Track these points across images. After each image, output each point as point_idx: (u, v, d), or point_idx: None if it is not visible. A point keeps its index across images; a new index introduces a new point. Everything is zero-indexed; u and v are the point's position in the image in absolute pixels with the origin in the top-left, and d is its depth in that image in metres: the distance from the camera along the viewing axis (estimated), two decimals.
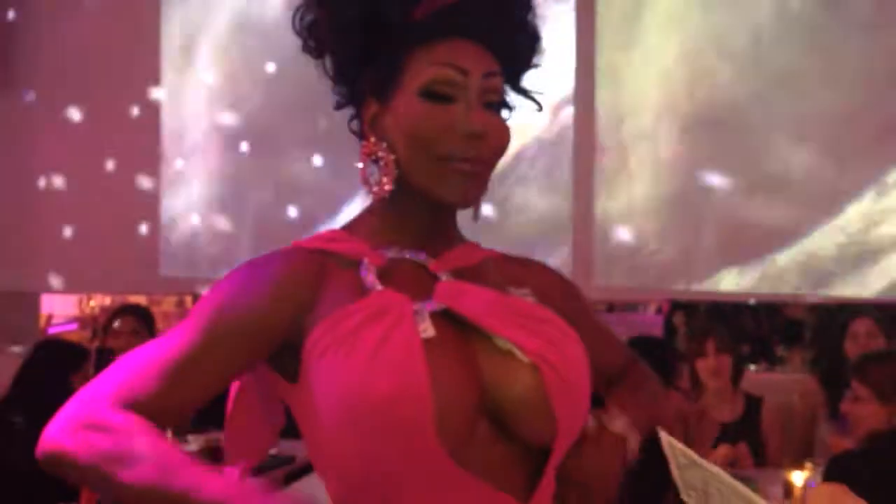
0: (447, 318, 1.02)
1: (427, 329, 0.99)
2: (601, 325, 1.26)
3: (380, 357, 0.95)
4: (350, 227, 1.09)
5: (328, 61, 1.07)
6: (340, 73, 1.07)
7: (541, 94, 1.12)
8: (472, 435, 0.98)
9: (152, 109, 4.55)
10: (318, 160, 4.28)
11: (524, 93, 1.11)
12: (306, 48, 1.07)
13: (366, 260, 1.04)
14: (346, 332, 0.96)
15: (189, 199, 4.57)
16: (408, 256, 1.06)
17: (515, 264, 1.16)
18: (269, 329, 0.99)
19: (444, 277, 1.06)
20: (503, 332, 1.01)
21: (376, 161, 1.04)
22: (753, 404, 3.22)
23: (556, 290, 1.16)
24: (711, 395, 3.12)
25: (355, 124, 1.09)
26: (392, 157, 1.03)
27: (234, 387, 1.09)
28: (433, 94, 1.01)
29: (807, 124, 3.68)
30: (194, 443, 3.26)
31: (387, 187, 1.04)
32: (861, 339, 3.33)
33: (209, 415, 3.41)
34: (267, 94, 4.40)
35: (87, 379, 2.81)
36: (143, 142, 4.56)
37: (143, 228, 4.58)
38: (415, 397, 0.94)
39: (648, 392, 1.25)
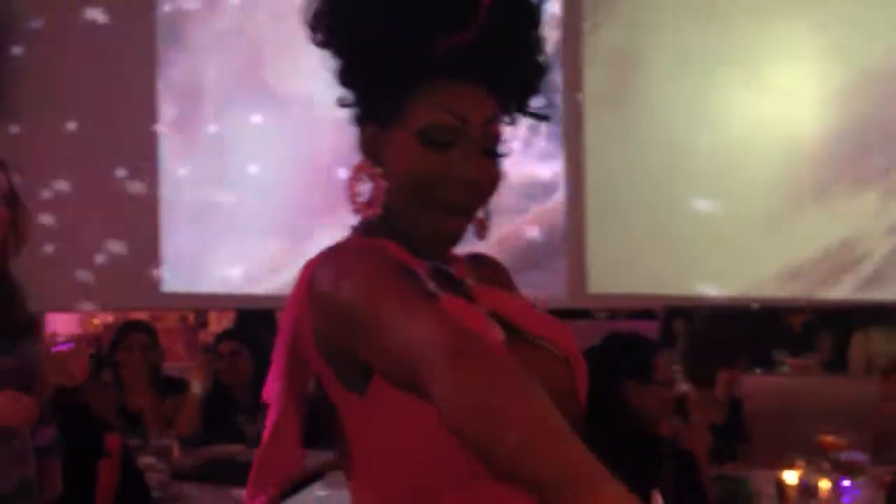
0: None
1: (500, 332, 1.02)
2: None
3: None
4: (376, 234, 1.07)
5: (335, 59, 1.06)
6: (345, 80, 1.06)
7: (547, 111, 1.12)
8: None
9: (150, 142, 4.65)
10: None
11: (531, 114, 1.12)
12: (312, 39, 1.06)
13: (419, 268, 1.04)
14: None
15: (190, 219, 4.65)
16: (437, 266, 1.08)
17: (488, 266, 1.19)
18: None
19: (471, 283, 1.09)
20: (538, 331, 1.07)
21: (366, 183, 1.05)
22: (736, 406, 3.27)
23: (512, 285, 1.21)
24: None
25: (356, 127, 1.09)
26: (385, 184, 1.04)
27: (275, 406, 1.06)
28: (431, 141, 1.01)
29: None
30: (201, 455, 3.32)
31: (376, 211, 1.04)
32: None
33: (216, 428, 3.50)
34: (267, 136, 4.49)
35: (102, 389, 2.90)
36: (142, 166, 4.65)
37: (144, 245, 4.66)
38: None
39: None
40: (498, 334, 1.02)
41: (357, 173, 1.05)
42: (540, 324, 1.08)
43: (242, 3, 4.56)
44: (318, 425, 1.09)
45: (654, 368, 2.39)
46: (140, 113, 4.66)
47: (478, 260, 1.19)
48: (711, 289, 3.86)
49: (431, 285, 1.02)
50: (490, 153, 1.05)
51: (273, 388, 1.06)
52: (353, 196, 1.05)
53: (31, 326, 2.18)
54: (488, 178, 1.05)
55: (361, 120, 1.07)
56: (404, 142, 1.03)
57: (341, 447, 1.05)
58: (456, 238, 1.06)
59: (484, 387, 0.79)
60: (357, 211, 1.05)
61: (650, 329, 5.15)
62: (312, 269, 1.00)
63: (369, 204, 1.05)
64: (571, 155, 4.05)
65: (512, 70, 1.05)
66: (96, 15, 4.71)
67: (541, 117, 1.12)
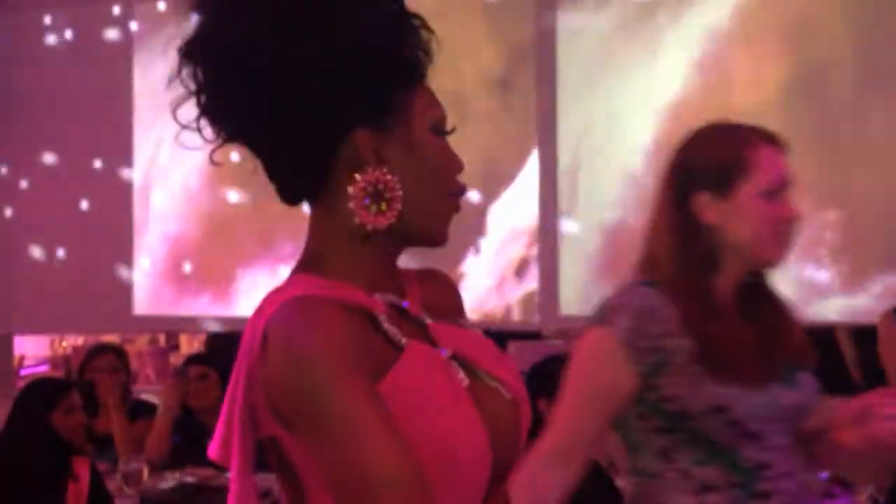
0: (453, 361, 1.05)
1: (464, 379, 1.02)
2: None
3: (455, 415, 0.97)
4: (324, 272, 1.02)
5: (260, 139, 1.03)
6: (308, 121, 0.99)
7: None
8: None
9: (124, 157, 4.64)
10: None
11: None
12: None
13: (377, 311, 1.01)
14: (413, 391, 0.96)
15: (164, 237, 4.63)
16: (393, 301, 1.05)
17: (430, 283, 1.14)
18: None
19: (427, 320, 1.07)
20: (492, 371, 1.06)
21: (375, 192, 1.00)
22: None
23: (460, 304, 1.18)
24: None
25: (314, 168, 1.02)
26: (400, 191, 1.00)
27: (235, 478, 1.03)
28: (442, 131, 1.05)
29: None
30: (171, 480, 3.30)
31: (393, 216, 1.00)
32: None
33: (185, 452, 3.48)
34: None
35: (70, 411, 2.87)
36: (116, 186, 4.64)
37: (117, 267, 4.64)
38: (483, 451, 0.98)
39: None
40: (463, 380, 1.02)
41: (370, 184, 1.00)
42: (493, 362, 1.07)
43: None
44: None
45: None
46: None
47: (421, 275, 1.14)
48: None
49: (396, 334, 1.00)
50: None
51: (226, 452, 1.04)
52: (363, 209, 1.00)
53: None
54: None
55: (345, 130, 1.00)
56: (423, 138, 1.03)
57: (289, 479, 1.01)
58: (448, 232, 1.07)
59: None
60: (374, 222, 1.00)
61: None
62: (266, 322, 0.96)
63: (384, 214, 1.00)
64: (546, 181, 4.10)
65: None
66: None
67: None
